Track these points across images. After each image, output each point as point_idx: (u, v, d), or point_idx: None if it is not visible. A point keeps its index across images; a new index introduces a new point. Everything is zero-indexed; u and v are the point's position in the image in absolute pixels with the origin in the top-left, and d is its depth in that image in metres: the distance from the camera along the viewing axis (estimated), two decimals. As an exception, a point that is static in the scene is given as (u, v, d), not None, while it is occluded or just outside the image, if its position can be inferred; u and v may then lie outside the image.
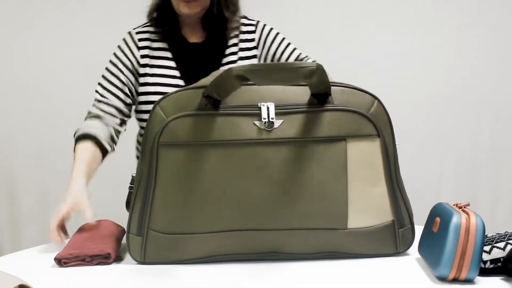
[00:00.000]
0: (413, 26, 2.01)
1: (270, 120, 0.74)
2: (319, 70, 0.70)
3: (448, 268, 0.65)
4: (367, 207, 0.77)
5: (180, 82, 1.11)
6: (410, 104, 1.99)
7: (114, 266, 0.78)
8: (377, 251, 0.79)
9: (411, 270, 0.73)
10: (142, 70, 1.12)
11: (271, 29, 1.18)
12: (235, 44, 1.15)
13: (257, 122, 0.75)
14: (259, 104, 0.75)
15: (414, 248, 0.81)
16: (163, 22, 1.13)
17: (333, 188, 0.75)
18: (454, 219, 0.66)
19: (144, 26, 1.16)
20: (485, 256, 0.68)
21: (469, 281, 0.67)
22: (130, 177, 0.83)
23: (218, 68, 1.09)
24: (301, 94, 0.77)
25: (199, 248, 0.76)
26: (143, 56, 1.13)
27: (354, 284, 0.67)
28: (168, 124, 0.74)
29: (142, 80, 1.12)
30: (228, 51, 1.14)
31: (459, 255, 0.65)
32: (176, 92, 0.77)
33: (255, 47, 1.16)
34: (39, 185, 2.07)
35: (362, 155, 0.76)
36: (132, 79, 1.12)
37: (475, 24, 2.03)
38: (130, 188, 0.82)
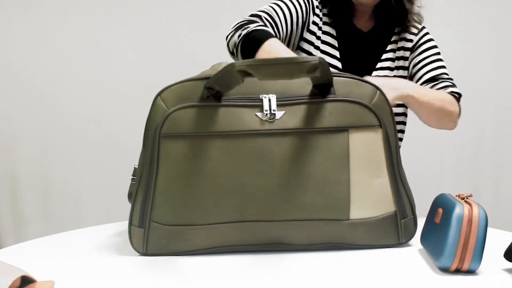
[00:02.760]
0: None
1: (272, 111, 0.74)
2: (322, 65, 0.69)
3: (451, 259, 0.65)
4: (369, 198, 0.76)
5: (338, 64, 1.13)
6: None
7: (116, 258, 0.78)
8: (379, 242, 0.79)
9: (413, 261, 0.73)
10: (308, 36, 1.15)
11: (431, 39, 1.18)
12: (396, 42, 1.17)
13: (259, 114, 0.74)
14: (260, 96, 0.75)
15: (416, 239, 0.81)
16: (337, 11, 1.15)
17: (335, 179, 0.75)
18: (457, 210, 0.65)
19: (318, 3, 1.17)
20: None
21: (471, 272, 0.67)
22: (133, 168, 0.83)
23: (377, 62, 1.15)
24: (303, 85, 0.76)
25: (201, 239, 0.77)
26: (314, 23, 1.14)
27: (356, 275, 0.67)
28: (170, 115, 0.74)
29: (305, 45, 1.14)
30: (389, 47, 1.16)
31: (461, 246, 0.65)
32: (177, 83, 0.77)
33: (411, 50, 1.18)
34: (42, 180, 2.08)
35: (364, 146, 0.76)
36: (297, 31, 1.13)
37: (478, 19, 2.02)
38: (132, 179, 0.82)
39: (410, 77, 1.19)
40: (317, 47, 1.15)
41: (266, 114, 0.74)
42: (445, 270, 0.67)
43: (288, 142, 0.74)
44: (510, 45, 2.04)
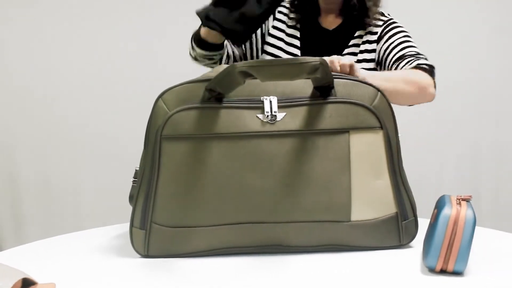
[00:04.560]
0: (419, 20, 2.00)
1: (273, 113, 0.74)
2: (323, 66, 0.69)
3: (435, 259, 0.65)
4: (370, 200, 0.76)
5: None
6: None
7: (117, 260, 0.78)
8: (380, 244, 0.79)
9: (413, 262, 0.73)
10: (271, 40, 1.19)
11: (397, 26, 1.18)
12: (360, 36, 1.17)
13: (260, 115, 0.74)
14: (261, 97, 0.75)
15: (417, 241, 0.81)
16: (303, 8, 1.18)
17: (336, 180, 0.75)
18: (444, 211, 0.66)
19: (281, 6, 1.21)
20: None
21: (457, 273, 0.66)
22: (134, 171, 0.83)
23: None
24: (304, 87, 0.76)
25: (202, 241, 0.76)
26: (274, 28, 1.19)
27: (356, 277, 0.67)
28: (171, 117, 0.74)
29: (269, 48, 1.19)
30: (352, 42, 1.17)
31: (446, 247, 0.65)
32: (179, 85, 0.77)
33: (376, 42, 1.17)
34: (42, 182, 2.08)
35: (365, 148, 0.76)
36: (259, 36, 1.19)
37: (478, 19, 2.02)
38: (133, 181, 0.82)
39: (382, 67, 1.18)
40: (280, 48, 1.19)
41: (267, 116, 0.74)
42: (431, 270, 0.67)
43: (289, 143, 0.74)
44: (510, 44, 2.04)
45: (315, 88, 0.76)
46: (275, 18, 1.21)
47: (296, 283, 0.66)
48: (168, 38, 2.09)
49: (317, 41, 1.19)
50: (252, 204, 0.74)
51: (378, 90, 0.78)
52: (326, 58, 0.87)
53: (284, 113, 0.75)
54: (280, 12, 1.21)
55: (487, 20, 2.02)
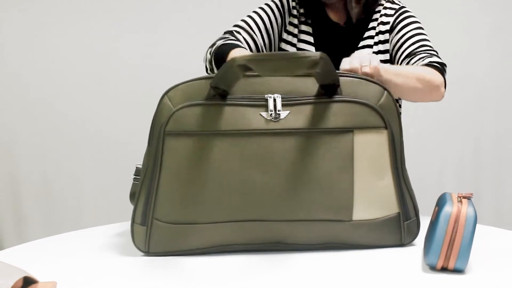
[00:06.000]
0: (419, 18, 2.01)
1: (277, 111, 0.74)
2: (323, 60, 0.68)
3: (436, 257, 0.66)
4: (373, 199, 0.76)
5: None
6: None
7: (118, 259, 0.77)
8: (382, 243, 0.79)
9: (414, 261, 0.73)
10: (286, 36, 1.17)
11: (410, 16, 1.15)
12: (374, 28, 1.15)
13: (263, 113, 0.74)
14: (266, 95, 0.75)
15: (418, 238, 0.81)
16: (311, 8, 1.17)
17: (339, 179, 0.75)
18: (445, 208, 0.66)
19: (293, 1, 1.19)
20: None
21: (459, 271, 0.67)
22: (135, 169, 0.83)
23: (354, 51, 1.13)
24: (309, 86, 0.76)
25: (204, 238, 0.76)
26: (291, 24, 1.17)
27: (357, 275, 0.67)
28: (175, 113, 0.74)
29: (284, 46, 1.17)
30: (366, 34, 1.15)
31: (447, 244, 0.65)
32: (184, 82, 0.77)
33: (388, 31, 1.15)
34: (42, 180, 2.07)
35: (369, 147, 0.75)
36: (274, 35, 1.16)
37: (480, 18, 2.02)
38: (135, 179, 0.82)
39: (392, 59, 1.16)
40: (294, 45, 1.17)
41: (271, 114, 0.74)
42: (432, 268, 0.67)
43: (293, 142, 0.74)
44: (510, 44, 2.04)
45: (320, 86, 0.76)
46: (290, 14, 1.18)
47: (298, 281, 0.66)
48: (172, 36, 2.08)
49: (331, 37, 1.17)
50: (254, 202, 0.74)
51: (385, 89, 0.77)
52: (347, 64, 0.84)
53: (288, 111, 0.74)
54: (294, 7, 1.19)
55: (487, 17, 2.02)
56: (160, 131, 0.74)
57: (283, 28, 1.18)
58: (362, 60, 0.86)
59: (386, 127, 0.76)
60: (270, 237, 0.77)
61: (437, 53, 1.10)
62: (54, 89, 2.05)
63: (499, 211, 2.04)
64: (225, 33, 1.13)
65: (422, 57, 1.06)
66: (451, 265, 0.66)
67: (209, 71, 1.09)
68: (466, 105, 2.03)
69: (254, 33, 1.12)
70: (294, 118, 0.74)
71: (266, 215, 0.75)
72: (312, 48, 1.16)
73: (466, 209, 0.65)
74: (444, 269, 0.67)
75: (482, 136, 2.04)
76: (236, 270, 0.71)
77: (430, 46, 1.10)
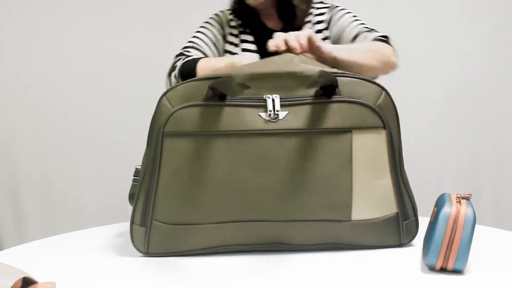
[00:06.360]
0: (419, 18, 2.01)
1: (275, 112, 0.74)
2: (322, 78, 0.71)
3: (435, 257, 0.65)
4: (371, 199, 0.76)
5: None
6: (413, 98, 1.98)
7: (117, 259, 0.78)
8: (381, 243, 0.79)
9: (413, 261, 0.73)
10: (228, 47, 1.20)
11: (343, 9, 1.19)
12: (310, 29, 1.17)
13: (262, 114, 0.74)
14: (264, 96, 0.75)
15: (417, 239, 0.81)
16: (243, 13, 1.19)
17: (337, 179, 0.75)
18: (444, 209, 0.66)
19: (230, 14, 1.23)
20: None
21: (457, 271, 0.67)
22: (134, 169, 0.83)
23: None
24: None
25: (203, 238, 0.76)
26: (231, 34, 1.20)
27: (356, 275, 0.67)
28: (173, 114, 0.74)
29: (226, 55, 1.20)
30: None
31: (445, 245, 0.65)
32: (183, 83, 0.77)
33: (326, 29, 1.18)
34: (42, 181, 2.07)
35: (368, 147, 0.76)
36: (221, 43, 1.20)
37: (480, 18, 2.02)
38: (134, 180, 0.82)
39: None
40: (236, 45, 1.19)
41: (270, 114, 0.74)
42: (431, 268, 0.67)
43: (291, 142, 0.74)
44: (511, 44, 2.04)
45: (319, 87, 0.76)
46: (229, 26, 1.22)
47: (297, 281, 0.66)
48: (171, 37, 2.08)
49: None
50: (253, 202, 0.74)
51: (384, 89, 0.78)
52: (281, 36, 0.87)
53: (287, 112, 0.74)
54: (231, 20, 1.22)
55: (487, 17, 2.02)
56: (159, 132, 0.74)
57: (224, 40, 1.21)
58: (296, 33, 0.88)
59: (384, 127, 0.76)
60: (270, 237, 0.77)
61: (377, 30, 1.14)
62: (54, 89, 2.05)
63: (498, 211, 2.04)
64: (176, 56, 1.16)
65: (366, 36, 1.11)
66: (450, 266, 0.66)
67: (172, 83, 1.12)
68: (466, 105, 2.03)
69: (203, 47, 1.17)
70: (292, 118, 0.74)
71: (265, 215, 0.75)
72: (256, 56, 1.17)
73: (465, 209, 0.65)
74: (443, 270, 0.67)
75: (481, 137, 2.04)
76: (235, 270, 0.71)
77: (369, 27, 1.15)
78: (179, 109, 0.74)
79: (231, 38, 1.20)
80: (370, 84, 0.77)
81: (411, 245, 0.80)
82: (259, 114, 0.74)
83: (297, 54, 0.85)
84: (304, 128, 0.74)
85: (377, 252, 0.77)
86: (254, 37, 1.19)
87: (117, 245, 0.85)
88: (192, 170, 0.74)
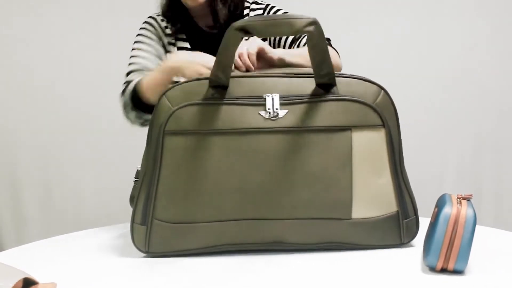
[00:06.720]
0: (419, 17, 2.01)
1: (275, 110, 0.74)
2: (316, 23, 0.71)
3: (435, 258, 0.65)
4: (371, 198, 0.76)
5: None
6: (413, 96, 1.98)
7: (118, 260, 0.78)
8: (381, 242, 0.79)
9: (413, 261, 0.73)
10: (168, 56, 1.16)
11: (279, 9, 1.18)
12: None
13: (262, 112, 0.74)
14: (264, 95, 0.75)
15: (418, 239, 0.81)
16: (177, 19, 1.16)
17: (337, 178, 0.75)
18: (445, 210, 0.66)
19: (163, 20, 1.19)
20: None
21: (458, 272, 0.67)
22: (135, 171, 0.83)
23: None
24: (306, 85, 0.76)
25: (203, 237, 0.76)
26: (169, 43, 1.17)
27: (356, 275, 0.67)
28: (174, 113, 0.74)
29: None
30: None
31: (446, 245, 0.65)
32: (183, 83, 0.77)
33: None
34: (43, 181, 2.07)
35: (367, 145, 0.76)
36: (163, 54, 1.17)
37: (480, 16, 2.02)
38: (135, 182, 0.82)
39: (276, 48, 1.16)
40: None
41: (269, 113, 0.74)
42: (432, 269, 0.67)
43: (291, 140, 0.74)
44: (510, 44, 2.03)
45: (318, 85, 0.76)
46: (165, 34, 1.18)
47: (297, 281, 0.66)
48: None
49: (207, 45, 1.12)
50: (253, 201, 0.74)
51: (382, 88, 0.78)
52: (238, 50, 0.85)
53: (286, 110, 0.75)
54: (166, 27, 1.18)
55: (487, 17, 2.02)
56: (160, 131, 0.75)
57: (165, 49, 1.18)
58: (249, 46, 0.88)
59: (383, 125, 0.76)
60: (270, 236, 0.77)
61: None
62: (54, 89, 2.05)
63: (499, 212, 2.04)
64: (124, 84, 1.16)
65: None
66: (450, 266, 0.66)
67: (131, 117, 1.13)
68: (466, 105, 2.03)
69: (148, 66, 1.13)
70: (292, 116, 0.74)
71: (265, 213, 0.75)
72: (191, 52, 1.14)
73: (465, 210, 0.65)
74: (443, 270, 0.67)
75: (482, 137, 2.04)
76: (235, 270, 0.71)
77: None
78: (180, 108, 0.74)
79: (170, 47, 1.17)
80: (368, 83, 0.77)
81: (412, 246, 0.80)
82: (259, 113, 0.74)
83: (242, 71, 0.84)
84: (304, 126, 0.74)
85: (378, 252, 0.77)
86: (190, 43, 1.16)
87: (117, 246, 0.85)
88: (193, 168, 0.74)
